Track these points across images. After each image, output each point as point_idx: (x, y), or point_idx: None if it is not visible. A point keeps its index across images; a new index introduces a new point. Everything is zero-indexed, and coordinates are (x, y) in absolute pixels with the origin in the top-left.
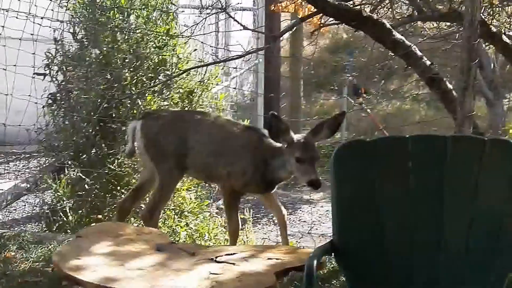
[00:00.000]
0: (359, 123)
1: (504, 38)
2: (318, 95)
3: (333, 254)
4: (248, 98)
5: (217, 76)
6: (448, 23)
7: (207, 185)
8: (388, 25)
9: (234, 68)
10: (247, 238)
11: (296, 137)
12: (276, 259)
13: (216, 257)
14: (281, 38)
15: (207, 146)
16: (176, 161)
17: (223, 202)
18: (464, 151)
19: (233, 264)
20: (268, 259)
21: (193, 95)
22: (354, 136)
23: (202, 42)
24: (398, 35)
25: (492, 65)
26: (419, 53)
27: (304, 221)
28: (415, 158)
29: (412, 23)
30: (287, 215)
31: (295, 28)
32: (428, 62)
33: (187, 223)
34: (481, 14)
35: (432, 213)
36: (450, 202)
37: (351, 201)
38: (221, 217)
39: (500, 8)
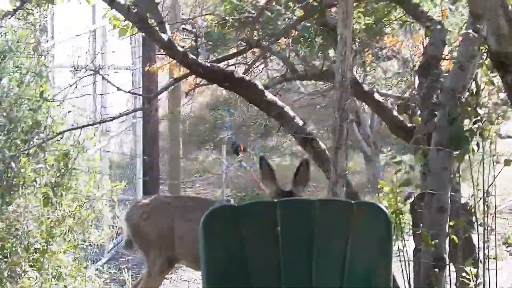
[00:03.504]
0: (239, 180)
1: (376, 96)
2: (198, 153)
3: None
4: (127, 157)
5: (92, 138)
6: None
7: (84, 247)
8: (260, 86)
9: (107, 131)
10: None
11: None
12: None
13: None
14: (159, 98)
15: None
16: (164, 251)
17: None
18: (332, 214)
19: None
20: None
21: (68, 157)
22: (235, 193)
23: (73, 106)
24: (270, 96)
25: (369, 121)
26: (292, 114)
27: (185, 280)
28: (283, 222)
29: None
30: None
31: (171, 88)
32: (301, 122)
33: (65, 286)
34: (355, 72)
35: (302, 276)
36: (320, 265)
37: (221, 266)
38: (100, 278)
39: (377, 65)
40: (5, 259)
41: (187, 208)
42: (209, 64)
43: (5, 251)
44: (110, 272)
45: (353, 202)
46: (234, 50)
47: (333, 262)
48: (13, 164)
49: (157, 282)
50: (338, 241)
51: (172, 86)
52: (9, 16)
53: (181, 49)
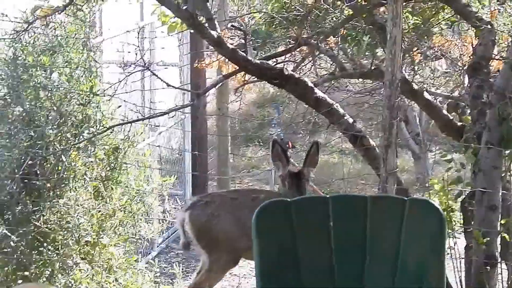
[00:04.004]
0: None
1: (426, 95)
2: (246, 149)
3: None
4: (176, 152)
5: (142, 133)
6: None
7: (135, 240)
8: (310, 83)
9: (157, 126)
10: None
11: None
12: None
13: None
14: (207, 94)
15: None
16: (231, 249)
17: None
18: (384, 210)
19: None
20: None
21: (118, 151)
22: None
23: (124, 101)
24: (320, 93)
25: (417, 119)
26: (342, 111)
27: (235, 275)
28: (336, 217)
29: (336, 80)
30: None
31: (219, 84)
32: (350, 120)
33: (116, 279)
34: (404, 71)
35: (354, 272)
36: (372, 261)
37: (273, 260)
38: (150, 272)
39: (423, 64)
40: (57, 252)
41: (255, 201)
42: (258, 61)
43: (56, 243)
44: (160, 266)
45: (406, 198)
46: (281, 48)
47: (385, 259)
48: (63, 158)
49: (218, 279)
50: (390, 238)
51: (221, 83)
52: (59, 11)
53: (230, 46)
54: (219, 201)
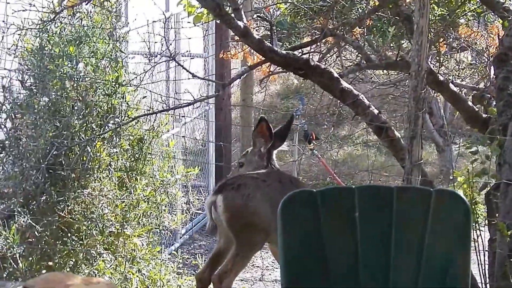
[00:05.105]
0: (310, 168)
1: (452, 86)
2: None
3: None
4: (200, 144)
5: (166, 123)
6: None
7: (158, 231)
8: (335, 74)
9: (182, 116)
10: None
11: None
12: None
13: None
14: (231, 85)
15: None
16: (263, 232)
17: None
18: (410, 201)
19: None
20: None
21: (143, 142)
22: (306, 181)
23: (150, 91)
24: (346, 84)
25: (442, 111)
26: (367, 102)
27: (258, 266)
28: (362, 208)
29: (361, 71)
30: None
31: (244, 75)
32: (376, 111)
33: (139, 269)
34: (429, 62)
35: (379, 263)
36: (397, 252)
37: (299, 251)
38: (173, 263)
39: (449, 56)
40: (81, 242)
41: (283, 184)
42: (284, 52)
43: (80, 233)
44: (183, 257)
45: (432, 189)
46: (306, 39)
47: (411, 250)
48: (88, 148)
49: (244, 264)
50: (416, 229)
51: (247, 73)
52: (86, 2)
53: (256, 36)
54: (252, 184)
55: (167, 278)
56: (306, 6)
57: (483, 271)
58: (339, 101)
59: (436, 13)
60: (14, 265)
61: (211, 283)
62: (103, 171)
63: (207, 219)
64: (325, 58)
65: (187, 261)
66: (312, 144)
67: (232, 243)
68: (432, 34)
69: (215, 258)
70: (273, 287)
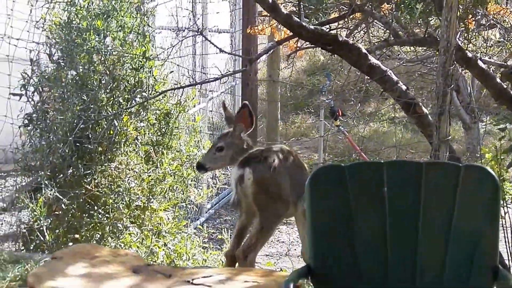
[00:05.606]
0: (336, 145)
1: (480, 63)
2: (295, 116)
3: (309, 277)
4: None
5: (193, 98)
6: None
7: (184, 205)
8: (364, 50)
9: (210, 91)
10: None
11: None
12: (253, 281)
13: (193, 280)
14: (258, 61)
15: None
16: (285, 204)
17: None
18: (438, 177)
19: (210, 286)
20: (245, 281)
21: (169, 116)
22: (332, 158)
23: (178, 65)
24: (374, 60)
25: (469, 89)
26: (395, 78)
27: (283, 242)
28: (390, 183)
29: (389, 47)
30: None
31: (271, 51)
32: (404, 87)
33: (165, 243)
34: (457, 39)
35: (407, 239)
36: (425, 228)
37: (327, 226)
38: (199, 237)
39: (476, 33)
40: (107, 215)
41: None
42: (312, 27)
43: (107, 207)
44: (208, 232)
45: (460, 164)
46: (333, 16)
47: (439, 225)
48: (115, 122)
49: (268, 237)
50: (444, 204)
51: (274, 49)
52: None
53: (285, 11)
54: (275, 156)
55: (192, 252)
56: None
57: (510, 248)
58: (366, 78)
59: None
60: (41, 238)
61: (237, 259)
62: (130, 145)
63: (232, 194)
64: (352, 34)
65: (212, 235)
66: (338, 121)
67: (253, 218)
68: (461, 10)
69: (239, 234)
70: (299, 262)
